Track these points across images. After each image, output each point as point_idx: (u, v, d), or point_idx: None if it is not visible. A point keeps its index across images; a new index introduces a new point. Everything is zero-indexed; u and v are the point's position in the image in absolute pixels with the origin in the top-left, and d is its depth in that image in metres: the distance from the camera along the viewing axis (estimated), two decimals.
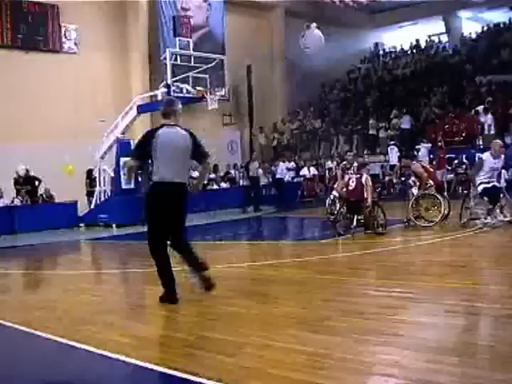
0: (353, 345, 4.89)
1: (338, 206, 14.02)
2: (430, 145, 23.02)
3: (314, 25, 27.75)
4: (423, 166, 14.22)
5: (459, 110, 25.36)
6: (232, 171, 27.24)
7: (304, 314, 6.07)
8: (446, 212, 13.10)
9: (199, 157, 7.15)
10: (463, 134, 23.95)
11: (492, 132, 22.92)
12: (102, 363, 4.99)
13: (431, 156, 22.76)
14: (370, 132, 27.52)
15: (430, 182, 13.76)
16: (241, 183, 25.72)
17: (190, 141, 7.01)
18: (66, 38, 24.55)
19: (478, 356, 4.55)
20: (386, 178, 24.16)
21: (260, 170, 23.84)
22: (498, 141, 13.13)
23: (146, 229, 7.01)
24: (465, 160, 19.91)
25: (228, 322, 5.96)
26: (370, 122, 27.69)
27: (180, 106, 7.25)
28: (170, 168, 6.88)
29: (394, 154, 24.03)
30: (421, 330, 5.36)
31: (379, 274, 8.30)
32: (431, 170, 14.69)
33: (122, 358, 4.89)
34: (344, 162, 15.78)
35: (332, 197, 14.98)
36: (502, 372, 4.06)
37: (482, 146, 22.56)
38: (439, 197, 13.20)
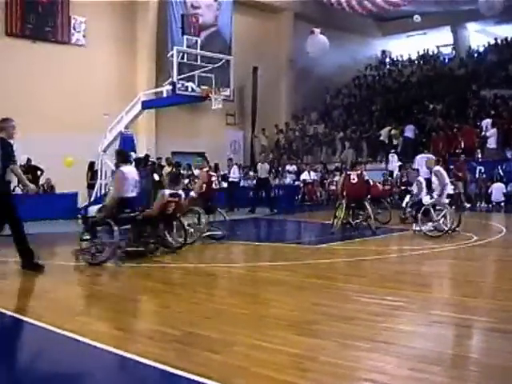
0: (338, 349, 4.96)
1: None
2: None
3: (318, 30, 27.82)
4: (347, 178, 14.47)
5: (462, 122, 25.35)
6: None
7: (293, 317, 6.12)
8: None
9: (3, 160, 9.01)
10: (462, 146, 23.93)
11: (493, 146, 22.93)
12: (92, 354, 5.05)
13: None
14: (382, 139, 27.36)
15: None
16: (241, 184, 25.68)
17: None
18: (74, 29, 24.64)
19: (461, 367, 4.60)
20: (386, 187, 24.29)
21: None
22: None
23: None
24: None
25: (217, 320, 6.02)
26: (387, 128, 27.33)
27: (11, 123, 9.57)
28: None
29: (394, 162, 24.20)
30: (407, 338, 5.43)
31: (371, 281, 8.35)
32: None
33: (112, 349, 4.96)
34: None
35: None
36: None
37: (480, 159, 22.65)
38: None
